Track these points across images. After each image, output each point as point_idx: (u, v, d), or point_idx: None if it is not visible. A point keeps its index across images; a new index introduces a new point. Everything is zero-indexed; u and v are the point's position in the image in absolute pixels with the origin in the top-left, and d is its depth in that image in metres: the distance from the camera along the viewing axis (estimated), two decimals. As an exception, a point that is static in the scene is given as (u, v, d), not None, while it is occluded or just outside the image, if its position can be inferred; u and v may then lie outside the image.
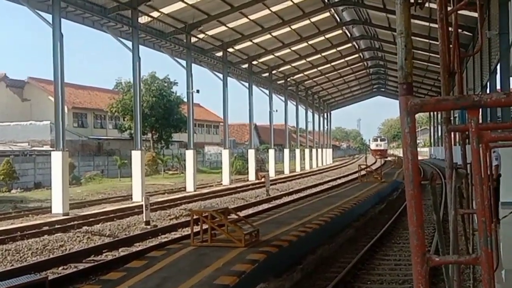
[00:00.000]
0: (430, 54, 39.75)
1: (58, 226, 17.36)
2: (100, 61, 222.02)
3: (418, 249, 1.79)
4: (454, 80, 4.30)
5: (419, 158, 2.01)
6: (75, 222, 17.92)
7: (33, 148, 42.84)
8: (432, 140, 73.87)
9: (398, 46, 1.87)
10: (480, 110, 1.95)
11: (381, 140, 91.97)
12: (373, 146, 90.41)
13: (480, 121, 1.99)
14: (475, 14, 24.08)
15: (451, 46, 3.97)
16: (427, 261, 1.80)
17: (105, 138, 54.44)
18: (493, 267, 1.87)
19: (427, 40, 34.95)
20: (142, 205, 18.37)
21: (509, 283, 7.74)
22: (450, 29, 4.01)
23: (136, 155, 25.45)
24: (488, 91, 21.34)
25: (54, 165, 20.69)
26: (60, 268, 12.24)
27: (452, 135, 3.82)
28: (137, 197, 24.16)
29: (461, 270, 3.08)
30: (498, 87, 17.47)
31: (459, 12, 4.75)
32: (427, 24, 30.58)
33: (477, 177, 1.91)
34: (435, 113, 66.69)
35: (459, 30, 4.40)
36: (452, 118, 4.32)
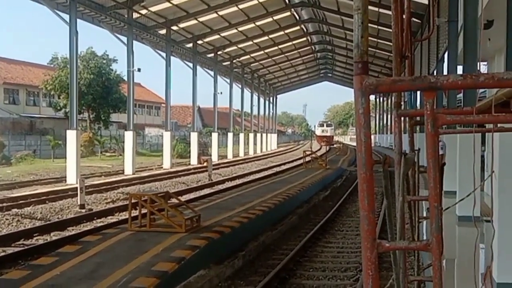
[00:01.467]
0: (379, 40, 40.16)
1: (-15, 207, 16.45)
2: (35, 35, 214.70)
3: (369, 234, 1.76)
4: (404, 65, 4.24)
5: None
6: (4, 204, 17.09)
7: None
8: (377, 128, 75.10)
9: (354, 22, 1.78)
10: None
11: (327, 126, 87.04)
12: (318, 132, 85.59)
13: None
14: (425, 1, 24.38)
15: (403, 33, 3.90)
16: (377, 247, 1.77)
17: (38, 117, 52.57)
18: (441, 254, 1.86)
19: (376, 26, 35.17)
20: (76, 187, 17.63)
21: (450, 272, 7.81)
22: (403, 16, 3.93)
23: (71, 135, 24.46)
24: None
25: (-18, 142, 19.53)
26: (-14, 252, 11.59)
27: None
28: (72, 179, 23.29)
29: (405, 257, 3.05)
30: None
31: None
32: (376, 9, 30.71)
33: (430, 161, 1.88)
34: (381, 100, 68.02)
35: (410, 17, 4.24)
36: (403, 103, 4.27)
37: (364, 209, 1.78)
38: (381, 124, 71.56)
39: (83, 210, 16.79)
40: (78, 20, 25.25)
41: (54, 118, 51.57)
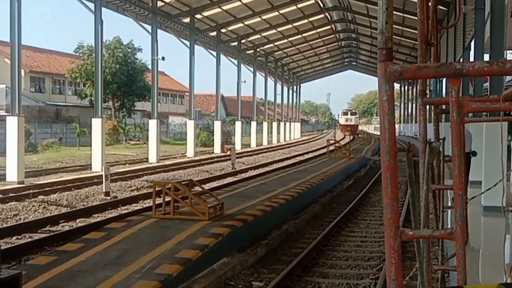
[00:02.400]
0: (404, 28, 39.69)
1: (13, 194, 16.76)
2: (60, 23, 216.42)
3: (392, 222, 1.75)
4: (430, 53, 4.24)
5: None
6: (31, 191, 17.32)
7: (-14, 113, 41.27)
8: (401, 118, 74.30)
9: (379, 8, 1.79)
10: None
11: (351, 114, 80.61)
12: (342, 120, 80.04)
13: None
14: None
15: (429, 20, 3.88)
16: (400, 235, 1.77)
17: (63, 105, 53.11)
18: (465, 243, 1.84)
19: (401, 14, 34.75)
20: (101, 175, 17.78)
21: (474, 262, 7.74)
22: (428, 3, 3.92)
23: (96, 123, 24.65)
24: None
25: (9, 131, 19.83)
26: (14, 238, 11.77)
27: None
28: (97, 167, 23.50)
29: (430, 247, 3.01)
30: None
31: None
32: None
33: (455, 149, 1.88)
34: (406, 89, 67.29)
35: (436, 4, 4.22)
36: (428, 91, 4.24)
37: (388, 197, 1.77)
38: (405, 113, 70.76)
39: (108, 198, 16.96)
40: (103, 9, 25.36)
41: (80, 106, 52.07)
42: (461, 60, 20.92)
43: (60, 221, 13.54)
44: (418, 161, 3.13)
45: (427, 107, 3.69)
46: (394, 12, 30.49)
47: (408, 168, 2.31)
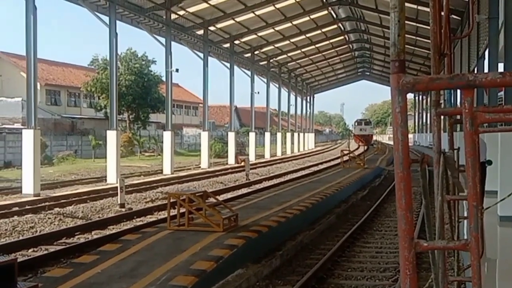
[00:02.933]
0: (417, 38, 39.58)
1: (29, 207, 16.94)
2: (76, 36, 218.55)
3: (406, 234, 1.74)
4: (443, 63, 4.24)
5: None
6: (47, 203, 17.47)
7: (3, 126, 41.69)
8: (416, 127, 73.95)
9: (391, 21, 1.78)
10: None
11: (365, 124, 77.25)
12: (356, 130, 76.29)
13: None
14: (465, -3, 23.98)
15: (442, 29, 3.89)
16: (415, 246, 1.76)
17: (79, 117, 53.49)
18: (480, 254, 1.83)
19: (414, 24, 34.69)
20: (116, 187, 17.91)
21: (491, 273, 7.64)
22: (441, 13, 3.93)
23: (111, 135, 24.83)
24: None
25: (25, 144, 20.04)
26: (30, 250, 11.88)
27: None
28: (112, 179, 23.63)
29: (445, 257, 2.93)
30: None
31: None
32: (415, 6, 30.28)
33: (469, 161, 1.86)
34: (420, 98, 67.02)
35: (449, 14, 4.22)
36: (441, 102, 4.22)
37: (402, 208, 1.76)
38: (420, 123, 70.44)
39: (123, 209, 17.04)
40: (118, 22, 25.64)
41: (95, 119, 52.45)
42: (475, 70, 20.88)
43: (75, 233, 13.63)
44: (433, 171, 3.13)
45: (441, 117, 3.69)
46: (408, 22, 30.53)
47: (422, 179, 2.31)
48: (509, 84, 1.79)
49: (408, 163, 1.78)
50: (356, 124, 78.40)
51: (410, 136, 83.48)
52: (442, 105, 17.79)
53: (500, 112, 3.29)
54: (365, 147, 59.18)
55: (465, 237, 1.87)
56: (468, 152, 1.87)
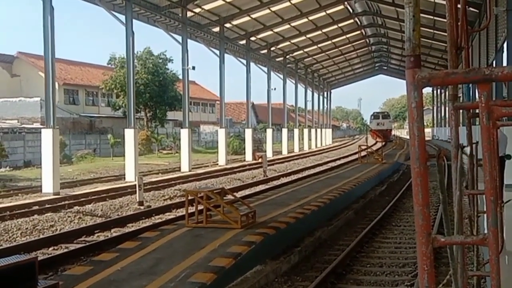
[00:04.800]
0: (435, 32, 39.24)
1: (49, 205, 17.10)
2: (93, 35, 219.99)
3: (423, 229, 1.74)
4: (461, 57, 4.11)
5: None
6: (66, 202, 17.64)
7: (22, 126, 42.18)
8: (434, 121, 72.89)
9: (406, 16, 1.78)
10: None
11: (383, 118, 70.54)
12: (373, 125, 69.97)
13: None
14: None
15: (459, 22, 3.83)
16: (432, 242, 1.76)
17: (97, 116, 53.89)
18: (499, 249, 1.82)
19: (432, 17, 34.39)
20: (135, 185, 18.02)
21: (512, 266, 7.58)
22: (458, 5, 3.87)
23: (129, 134, 24.98)
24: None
25: (44, 143, 20.25)
26: (50, 249, 11.99)
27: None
28: (130, 177, 23.79)
29: (464, 252, 3.01)
30: (505, 65, 17.17)
31: None
32: (432, 0, 30.00)
33: (486, 155, 1.84)
34: (439, 92, 66.44)
35: (466, 6, 4.15)
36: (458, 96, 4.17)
37: (419, 204, 1.76)
38: (438, 117, 69.78)
39: (142, 207, 17.14)
40: (134, 21, 25.74)
41: (113, 117, 52.79)
42: (494, 63, 20.64)
43: (95, 231, 13.74)
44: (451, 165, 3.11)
45: (459, 111, 3.66)
46: (425, 16, 30.30)
47: (439, 175, 2.30)
48: (526, 78, 1.77)
49: (424, 159, 1.79)
50: (372, 117, 72.20)
51: (429, 130, 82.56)
52: (461, 99, 17.65)
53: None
54: (383, 143, 57.19)
55: (485, 231, 1.87)
56: (485, 146, 1.86)
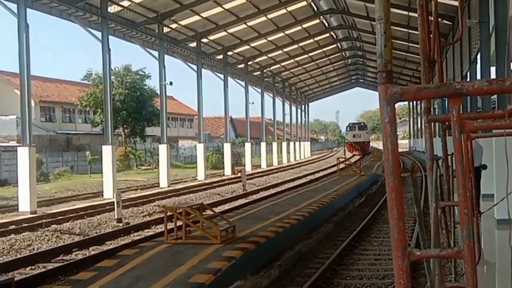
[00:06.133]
0: (409, 44, 39.79)
1: (26, 224, 16.86)
2: (68, 52, 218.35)
3: (399, 243, 1.76)
4: (434, 69, 4.20)
5: (399, 150, 1.81)
6: (43, 221, 17.40)
7: (-2, 144, 41.62)
8: (412, 132, 73.37)
9: (377, 32, 1.80)
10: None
11: (360, 129, 66.58)
12: (349, 136, 65.34)
13: (461, 111, 1.97)
14: (455, 3, 24.12)
15: (431, 35, 3.89)
16: (408, 255, 1.77)
17: (74, 133, 53.45)
18: (475, 261, 1.85)
19: (406, 30, 34.88)
20: (113, 202, 17.86)
21: (491, 276, 7.64)
22: (430, 18, 3.93)
23: (107, 150, 24.78)
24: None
25: (20, 161, 20.00)
26: (28, 269, 11.82)
27: (433, 126, 3.73)
28: (109, 194, 23.55)
29: (442, 264, 3.01)
30: (479, 77, 17.43)
31: (439, 0, 4.52)
32: (406, 13, 30.49)
33: (459, 168, 1.89)
34: (415, 104, 66.93)
35: (439, 19, 4.20)
36: (432, 108, 4.23)
37: (394, 218, 1.77)
38: (415, 128, 70.42)
39: (120, 224, 16.99)
40: (110, 37, 25.68)
41: (90, 134, 52.41)
42: (468, 74, 20.95)
43: (73, 250, 13.57)
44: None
45: (433, 123, 3.69)
46: (399, 29, 30.64)
47: (414, 188, 2.33)
48: (496, 92, 1.80)
49: (398, 173, 1.79)
50: (348, 129, 67.41)
51: (406, 141, 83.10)
52: (437, 111, 17.89)
53: (491, 117, 3.32)
54: (361, 156, 55.50)
55: (462, 243, 1.88)
56: (458, 160, 1.89)
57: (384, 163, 1.81)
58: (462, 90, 1.74)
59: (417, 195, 2.36)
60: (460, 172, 1.90)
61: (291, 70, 56.18)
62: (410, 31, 35.13)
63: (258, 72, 50.27)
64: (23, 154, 19.89)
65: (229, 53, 40.84)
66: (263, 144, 50.99)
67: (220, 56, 40.13)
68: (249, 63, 45.91)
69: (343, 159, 34.33)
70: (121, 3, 26.83)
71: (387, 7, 1.81)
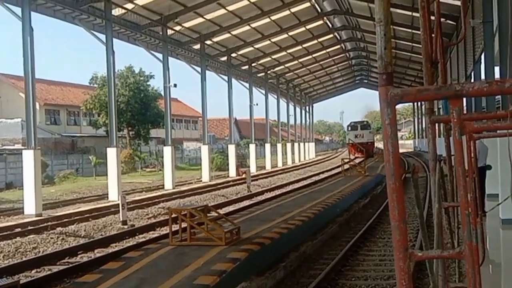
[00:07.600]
0: (413, 44, 39.69)
1: (31, 227, 16.89)
2: (73, 55, 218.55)
3: (401, 244, 1.77)
4: (438, 70, 4.20)
5: (403, 150, 1.81)
6: (49, 223, 17.43)
7: (3, 147, 41.81)
8: (416, 132, 73.22)
9: (377, 35, 1.80)
10: (464, 100, 1.71)
11: (362, 128, 58.83)
12: (351, 136, 57.56)
13: (465, 111, 1.79)
14: (459, 3, 24.06)
15: (433, 35, 3.91)
16: (409, 256, 1.78)
17: (79, 136, 53.57)
18: (478, 261, 1.85)
19: (410, 30, 34.84)
20: (118, 204, 17.89)
21: (496, 276, 7.62)
22: (432, 18, 3.93)
23: (111, 153, 24.84)
24: (472, 81, 21.36)
25: (26, 164, 20.07)
26: (33, 271, 11.82)
27: (436, 127, 3.73)
28: (113, 196, 23.60)
29: (446, 264, 3.01)
30: (483, 76, 17.41)
31: (442, 0, 4.50)
32: (409, 13, 30.43)
33: (460, 169, 1.89)
34: (419, 104, 66.61)
35: (442, 19, 4.22)
36: (436, 109, 4.21)
37: (395, 219, 1.79)
38: (420, 128, 70.26)
39: (125, 226, 17.01)
40: (115, 39, 25.74)
41: (95, 136, 52.49)
42: (472, 74, 20.89)
43: (78, 252, 13.60)
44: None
45: (436, 124, 3.69)
46: (403, 29, 30.52)
47: (415, 189, 2.32)
48: (496, 93, 1.81)
49: (399, 175, 1.81)
50: (349, 128, 60.09)
51: (411, 142, 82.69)
52: (441, 111, 17.84)
53: (493, 118, 3.32)
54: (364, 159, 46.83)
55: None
56: (458, 161, 1.89)
57: (385, 164, 1.82)
58: (462, 91, 1.75)
59: (418, 196, 2.36)
60: (460, 173, 1.90)
61: (295, 71, 56.15)
62: (414, 31, 35.06)
63: (262, 74, 50.29)
64: (28, 157, 19.95)
65: (233, 54, 40.89)
66: (267, 145, 50.99)
67: (224, 58, 40.17)
68: (253, 64, 45.93)
69: (348, 160, 34.24)
70: (125, 5, 26.92)
71: (386, 9, 1.82)
